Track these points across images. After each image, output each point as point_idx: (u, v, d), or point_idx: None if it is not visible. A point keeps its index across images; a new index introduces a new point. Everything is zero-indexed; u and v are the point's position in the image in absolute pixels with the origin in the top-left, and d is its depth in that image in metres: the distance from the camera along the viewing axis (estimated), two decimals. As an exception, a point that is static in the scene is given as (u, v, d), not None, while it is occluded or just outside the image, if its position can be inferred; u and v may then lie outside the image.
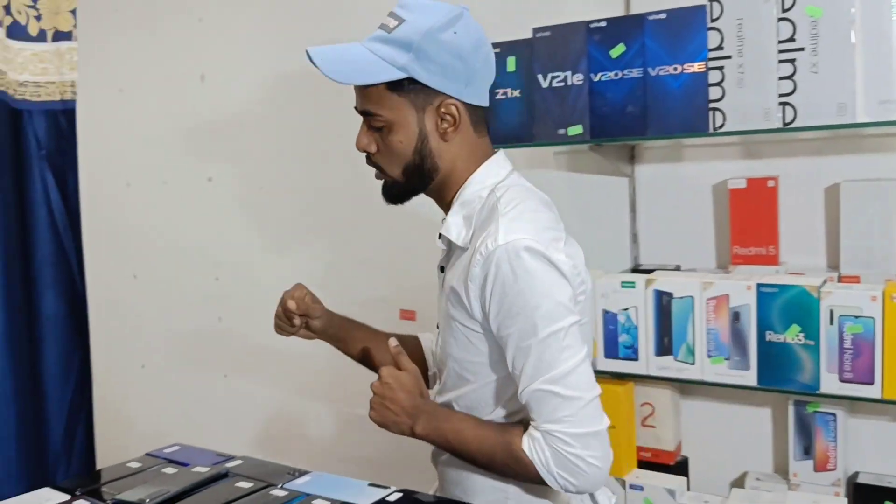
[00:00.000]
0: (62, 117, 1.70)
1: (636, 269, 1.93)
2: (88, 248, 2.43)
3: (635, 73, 1.58)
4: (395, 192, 1.32)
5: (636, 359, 1.76)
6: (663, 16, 1.57)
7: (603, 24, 1.62)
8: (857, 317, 1.50)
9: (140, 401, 2.96)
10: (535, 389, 1.16)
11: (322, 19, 2.43)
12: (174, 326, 2.86)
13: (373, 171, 1.34)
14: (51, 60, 1.73)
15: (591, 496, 1.29)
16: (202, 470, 1.42)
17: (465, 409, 1.30)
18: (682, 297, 1.69)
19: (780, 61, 1.46)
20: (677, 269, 1.89)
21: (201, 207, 2.77)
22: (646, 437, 1.87)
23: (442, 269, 1.36)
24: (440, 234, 1.32)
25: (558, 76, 1.66)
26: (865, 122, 1.43)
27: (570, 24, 1.65)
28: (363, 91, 1.25)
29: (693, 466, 1.90)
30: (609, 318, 1.78)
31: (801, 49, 1.45)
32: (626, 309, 1.76)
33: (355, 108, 1.29)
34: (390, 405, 1.27)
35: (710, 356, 1.67)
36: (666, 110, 1.56)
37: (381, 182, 1.34)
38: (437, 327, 1.38)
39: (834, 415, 1.67)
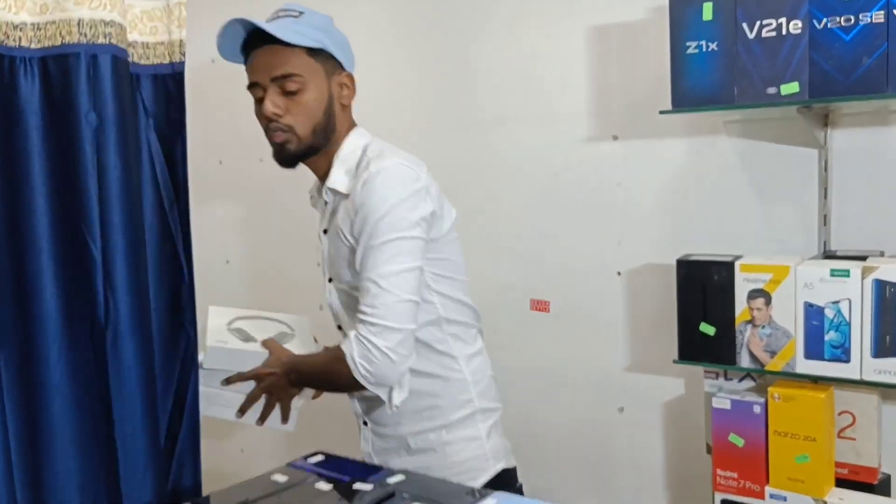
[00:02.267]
0: (171, 81, 1.49)
1: (829, 256, 1.66)
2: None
3: (877, 17, 1.30)
4: (295, 153, 1.48)
5: (847, 360, 1.50)
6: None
7: (830, -42, 1.36)
8: None
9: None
10: (368, 279, 1.36)
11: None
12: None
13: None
14: (161, 18, 1.51)
15: (389, 394, 1.40)
16: (365, 488, 1.20)
17: None
18: (912, 289, 1.42)
19: None
20: (881, 255, 1.61)
21: (299, 187, 2.55)
22: (843, 451, 1.61)
23: (325, 232, 1.57)
24: (326, 190, 1.51)
25: (770, 24, 1.40)
26: None
27: (786, -39, 1.39)
28: (283, 57, 1.42)
29: (897, 485, 1.64)
30: (813, 313, 1.51)
31: None
32: (835, 302, 1.49)
33: (254, 82, 1.47)
34: (275, 393, 1.52)
35: (946, 359, 1.40)
36: (917, 62, 1.28)
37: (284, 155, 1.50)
38: (330, 281, 1.57)
39: None
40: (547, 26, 2.01)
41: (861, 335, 1.47)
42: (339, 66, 1.49)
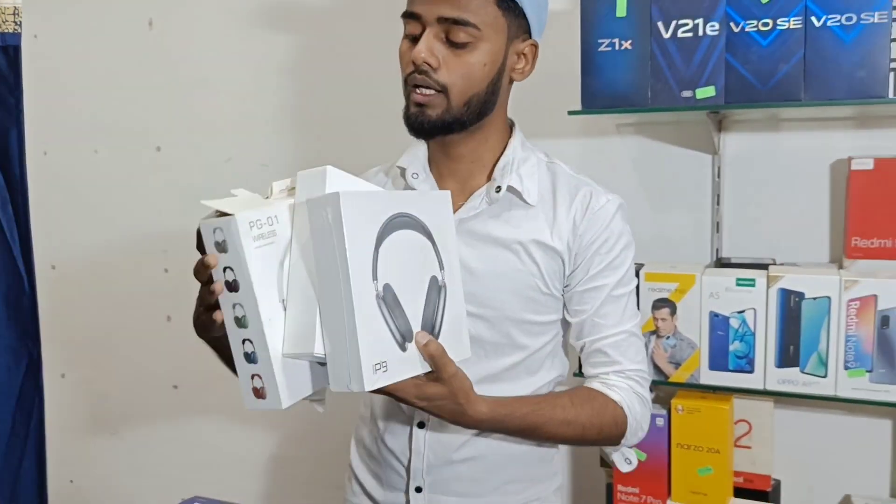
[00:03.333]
0: (3, 57, 1.23)
1: (722, 263, 1.65)
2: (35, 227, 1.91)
3: (794, 22, 1.27)
4: (436, 122, 1.11)
5: (751, 370, 1.48)
6: (835, -50, 1.27)
7: (748, -41, 1.31)
8: None
9: (76, 421, 2.44)
10: (625, 332, 1.18)
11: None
12: (109, 329, 2.35)
13: None
14: None
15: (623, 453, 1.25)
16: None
17: (510, 377, 1.19)
18: (816, 298, 1.41)
19: None
20: (773, 263, 1.61)
21: (147, 183, 2.27)
22: (739, 460, 1.60)
23: None
24: (496, 187, 1.16)
25: (686, 24, 1.34)
26: None
27: (702, -41, 1.33)
28: None
29: (787, 491, 1.65)
30: (718, 323, 1.48)
31: None
32: (740, 311, 1.47)
33: (415, 13, 1.10)
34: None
35: (847, 368, 1.41)
36: (832, 70, 1.26)
37: (416, 108, 1.12)
38: None
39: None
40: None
41: (765, 345, 1.46)
42: (527, 29, 1.15)
